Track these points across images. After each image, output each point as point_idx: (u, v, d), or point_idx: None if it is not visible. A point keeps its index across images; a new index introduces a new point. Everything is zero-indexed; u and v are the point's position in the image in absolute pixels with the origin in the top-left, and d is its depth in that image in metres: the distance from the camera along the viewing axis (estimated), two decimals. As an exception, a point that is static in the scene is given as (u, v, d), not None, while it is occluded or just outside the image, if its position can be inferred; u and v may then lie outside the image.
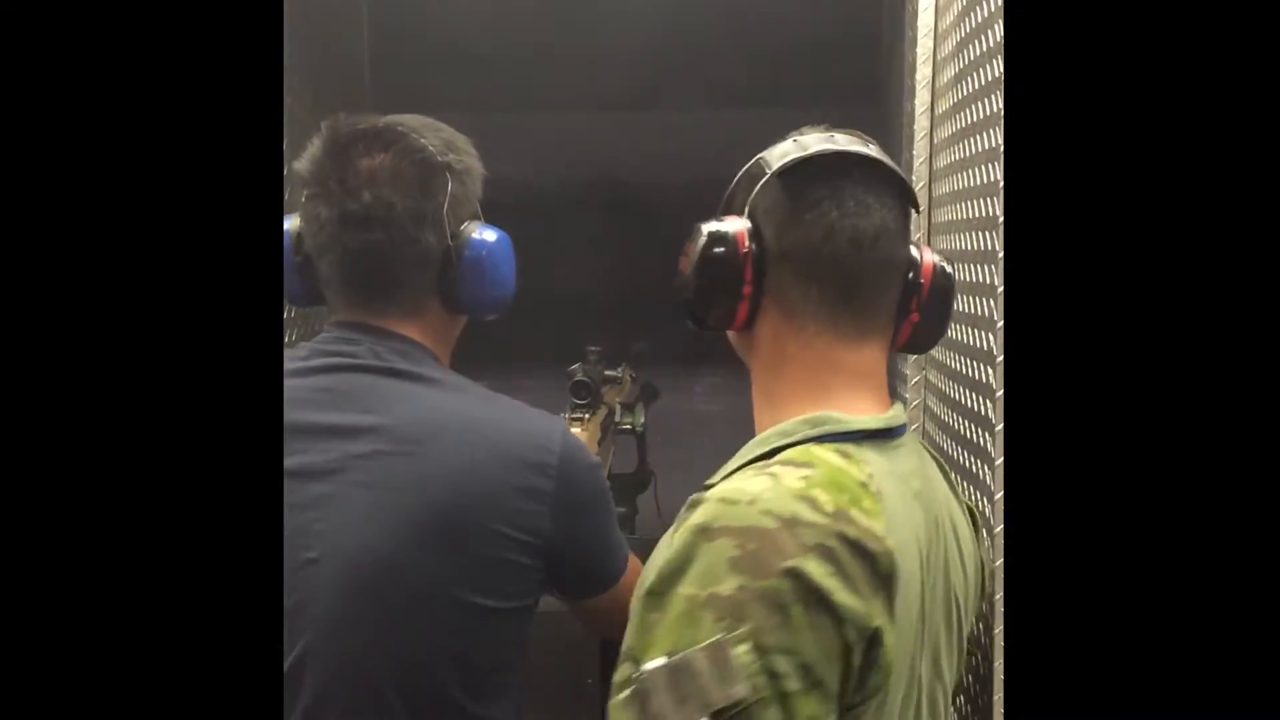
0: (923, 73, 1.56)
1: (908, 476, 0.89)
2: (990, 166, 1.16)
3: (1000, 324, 1.05)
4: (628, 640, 0.78)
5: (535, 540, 1.01)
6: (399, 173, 1.05)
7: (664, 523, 0.89)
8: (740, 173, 0.96)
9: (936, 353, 1.49)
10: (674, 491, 1.71)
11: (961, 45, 1.33)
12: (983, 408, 1.16)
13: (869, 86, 2.22)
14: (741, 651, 0.73)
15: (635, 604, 0.79)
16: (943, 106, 1.48)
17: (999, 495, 1.03)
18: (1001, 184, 1.07)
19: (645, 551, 1.07)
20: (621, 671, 0.77)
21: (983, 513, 1.11)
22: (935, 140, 1.54)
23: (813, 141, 0.92)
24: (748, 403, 0.97)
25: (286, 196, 1.30)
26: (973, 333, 1.21)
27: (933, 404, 1.55)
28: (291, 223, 1.11)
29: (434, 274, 1.08)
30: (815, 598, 0.74)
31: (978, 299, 1.18)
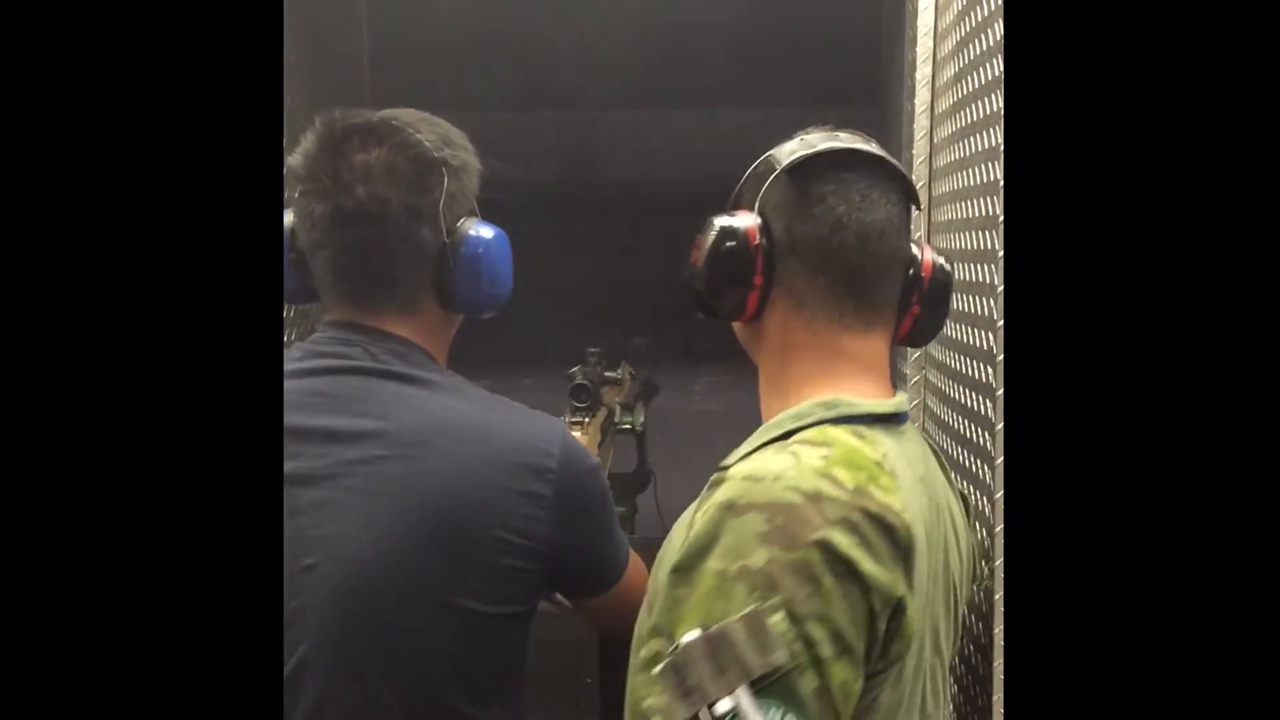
0: (923, 72, 1.56)
1: (913, 460, 0.92)
2: (990, 165, 1.16)
3: (1000, 323, 1.05)
4: (656, 617, 0.80)
5: (535, 545, 1.00)
6: (394, 168, 1.03)
7: (664, 522, 0.90)
8: (749, 170, 0.99)
9: (936, 352, 1.48)
10: (674, 491, 1.71)
11: (961, 44, 1.33)
12: (983, 407, 1.16)
13: (869, 86, 2.22)
14: (777, 620, 0.75)
15: (661, 581, 0.82)
16: (943, 105, 1.48)
17: (999, 494, 1.03)
18: (1001, 183, 1.07)
19: (645, 551, 1.07)
20: (650, 647, 0.79)
21: (981, 511, 1.11)
22: (935, 139, 1.54)
23: (818, 139, 0.95)
24: (748, 401, 0.98)
25: (286, 197, 1.30)
26: (973, 332, 1.21)
27: (933, 404, 1.55)
28: (285, 219, 1.10)
29: (430, 271, 1.06)
30: (844, 567, 0.77)
31: (978, 298, 1.18)
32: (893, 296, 0.96)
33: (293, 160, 1.07)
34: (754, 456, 0.86)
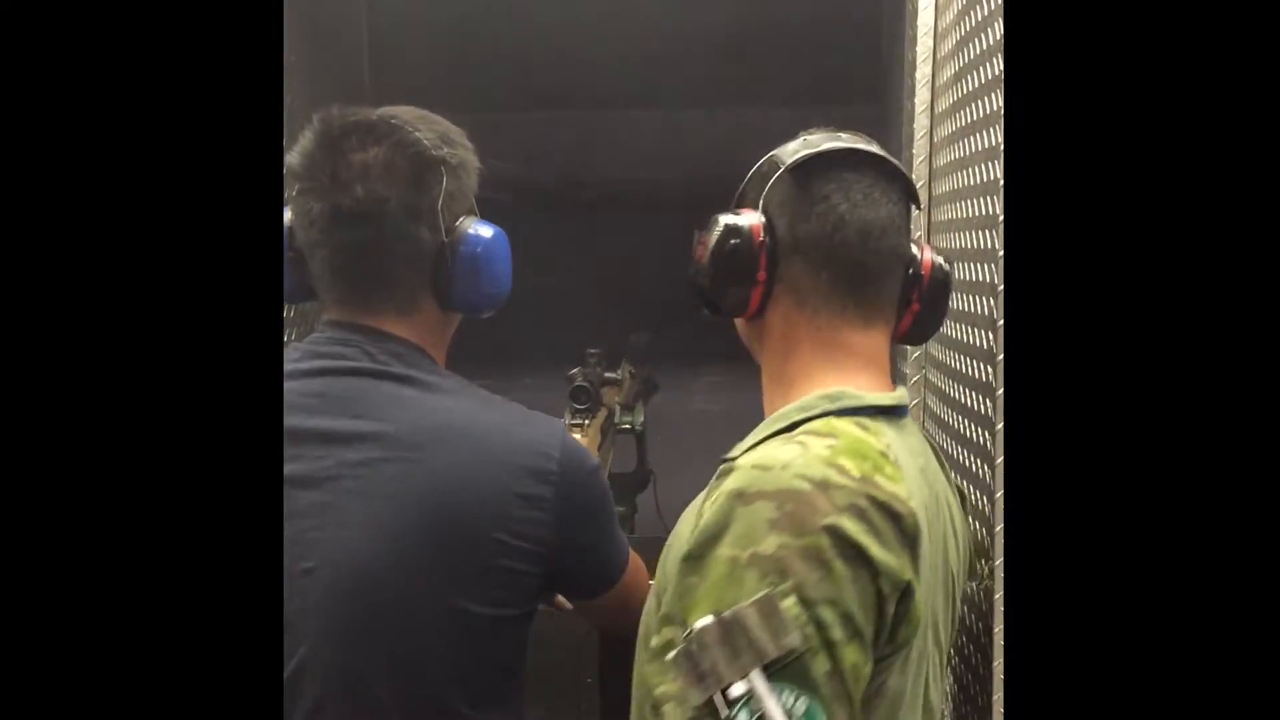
0: (923, 71, 1.56)
1: (915, 453, 0.93)
2: (990, 165, 1.16)
3: (1000, 322, 1.05)
4: (667, 606, 0.82)
5: (535, 547, 1.00)
6: (392, 167, 1.03)
7: (664, 522, 0.90)
8: (752, 170, 1.00)
9: (937, 351, 1.48)
10: (674, 490, 1.71)
11: (961, 44, 1.33)
12: (983, 406, 1.16)
13: (869, 85, 2.22)
14: (789, 604, 0.76)
15: (670, 571, 0.83)
16: (942, 105, 1.48)
17: (999, 494, 1.03)
18: (1001, 182, 1.07)
19: (645, 551, 1.07)
20: (662, 636, 0.81)
21: (981, 510, 1.11)
22: (935, 138, 1.54)
23: (821, 140, 0.97)
24: (748, 401, 0.98)
25: (285, 195, 1.30)
26: (973, 331, 1.21)
27: (933, 403, 1.54)
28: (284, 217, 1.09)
29: (428, 270, 1.06)
30: (853, 552, 0.78)
31: (978, 297, 1.18)
32: (893, 293, 0.98)
33: (291, 158, 1.06)
34: (761, 447, 0.88)
